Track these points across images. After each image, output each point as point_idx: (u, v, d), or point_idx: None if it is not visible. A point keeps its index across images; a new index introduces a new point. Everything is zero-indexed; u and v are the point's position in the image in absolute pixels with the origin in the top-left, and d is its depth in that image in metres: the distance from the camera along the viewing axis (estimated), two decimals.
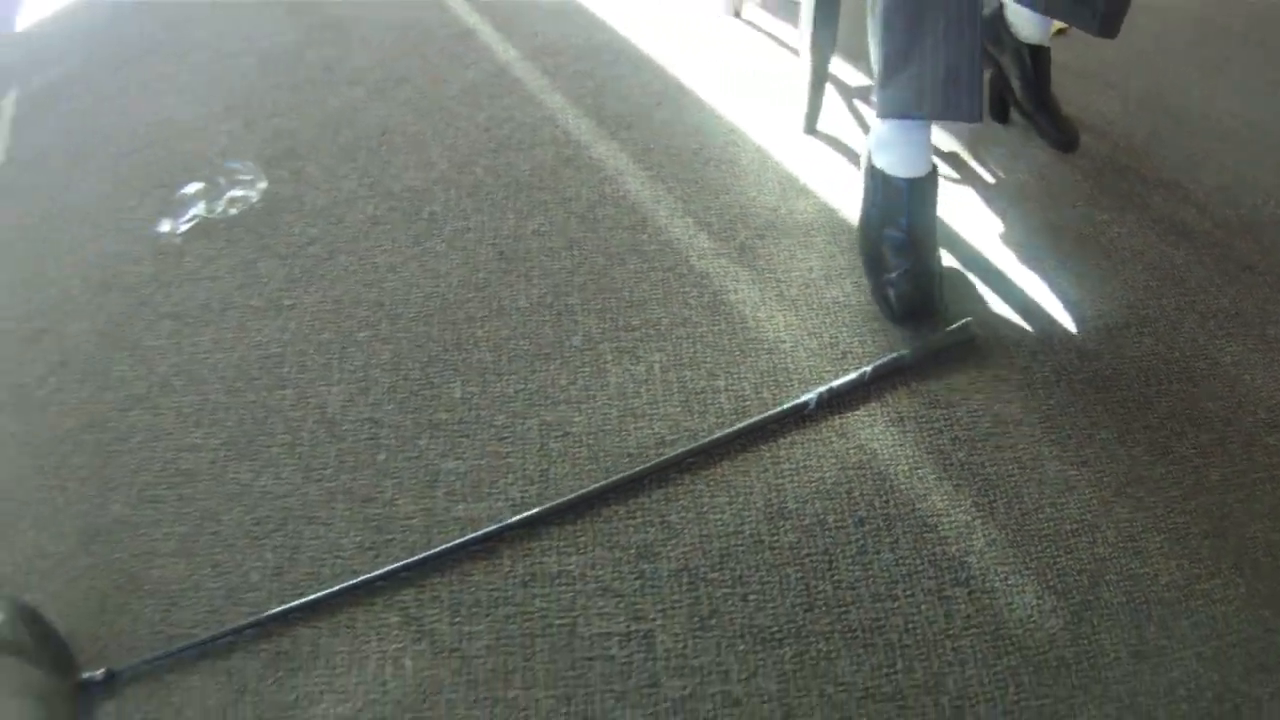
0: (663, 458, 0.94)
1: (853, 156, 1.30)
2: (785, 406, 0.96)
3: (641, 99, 1.47)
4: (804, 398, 0.97)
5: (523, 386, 1.04)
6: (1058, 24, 1.24)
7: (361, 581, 0.92)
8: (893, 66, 0.99)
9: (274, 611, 0.92)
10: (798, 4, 1.33)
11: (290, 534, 0.98)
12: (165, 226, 1.48)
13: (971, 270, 1.12)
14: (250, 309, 1.27)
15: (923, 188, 1.01)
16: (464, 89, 1.55)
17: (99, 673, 0.91)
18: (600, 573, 0.88)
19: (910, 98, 0.98)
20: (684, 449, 0.94)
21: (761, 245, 1.16)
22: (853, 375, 0.98)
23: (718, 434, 0.95)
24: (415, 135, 1.47)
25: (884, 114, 1.02)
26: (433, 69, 1.64)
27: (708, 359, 1.03)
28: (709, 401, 0.99)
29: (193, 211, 1.48)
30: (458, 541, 0.92)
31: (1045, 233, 1.14)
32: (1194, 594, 0.83)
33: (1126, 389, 0.98)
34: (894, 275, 1.01)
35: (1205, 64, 1.55)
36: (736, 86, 1.48)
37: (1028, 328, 1.03)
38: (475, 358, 1.09)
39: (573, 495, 0.93)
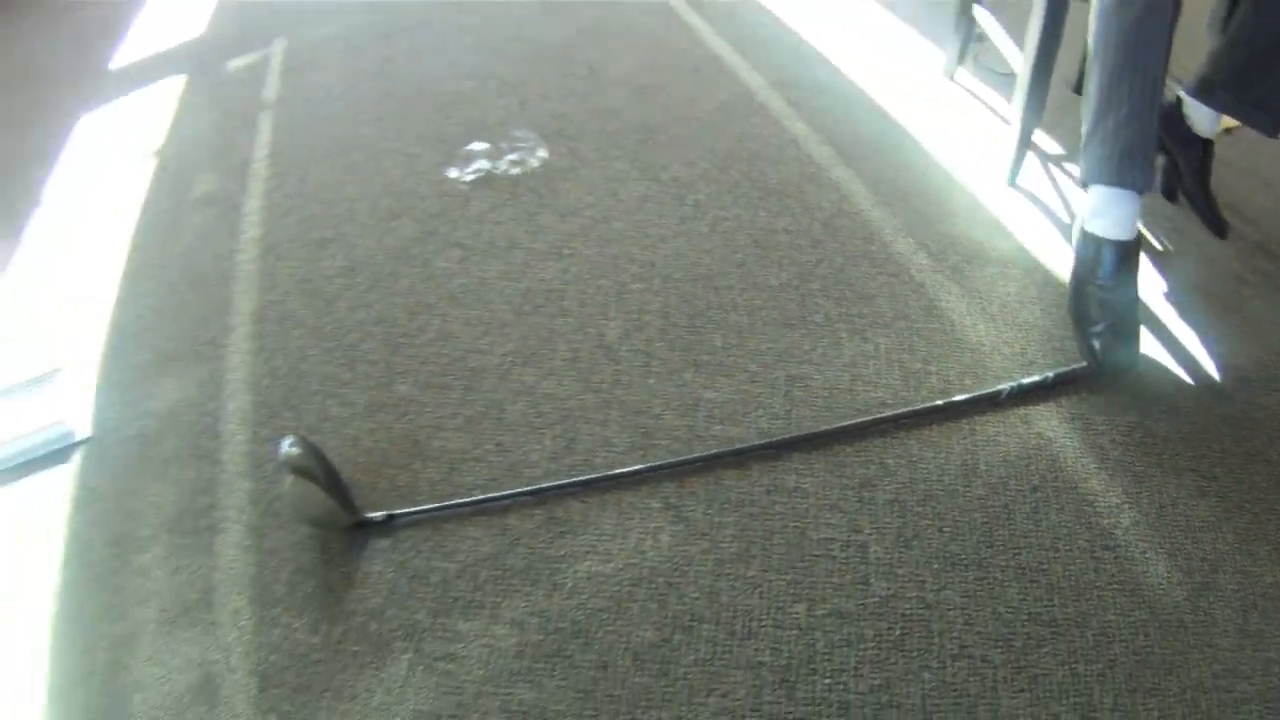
0: (884, 414, 1.22)
1: (1046, 210, 1.56)
2: (983, 392, 1.24)
3: (870, 137, 1.76)
4: (998, 387, 1.24)
5: (772, 345, 1.33)
6: (1227, 123, 1.47)
7: (632, 471, 1.20)
8: (1086, 140, 1.26)
9: (552, 484, 1.20)
10: (1013, 77, 1.60)
11: (568, 429, 1.27)
12: (452, 173, 1.80)
13: (1141, 317, 1.38)
14: (533, 250, 1.57)
15: (1126, 250, 1.27)
16: (717, 106, 1.86)
17: (380, 514, 1.19)
18: (829, 493, 1.15)
19: (1093, 167, 1.25)
20: (902, 410, 1.22)
21: (969, 269, 1.43)
22: (1038, 377, 1.25)
23: (928, 404, 1.23)
24: (677, 136, 1.78)
25: (1081, 180, 1.29)
26: (687, 84, 1.95)
27: (921, 348, 1.31)
28: (921, 380, 1.27)
29: (477, 165, 1.80)
30: (716, 451, 1.21)
31: (1199, 296, 1.39)
32: None
33: (1254, 428, 1.23)
34: (1099, 328, 1.27)
35: None
36: (951, 138, 1.75)
37: (1178, 368, 1.29)
38: (733, 318, 1.38)
39: (811, 431, 1.21)
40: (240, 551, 1.17)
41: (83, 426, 1.39)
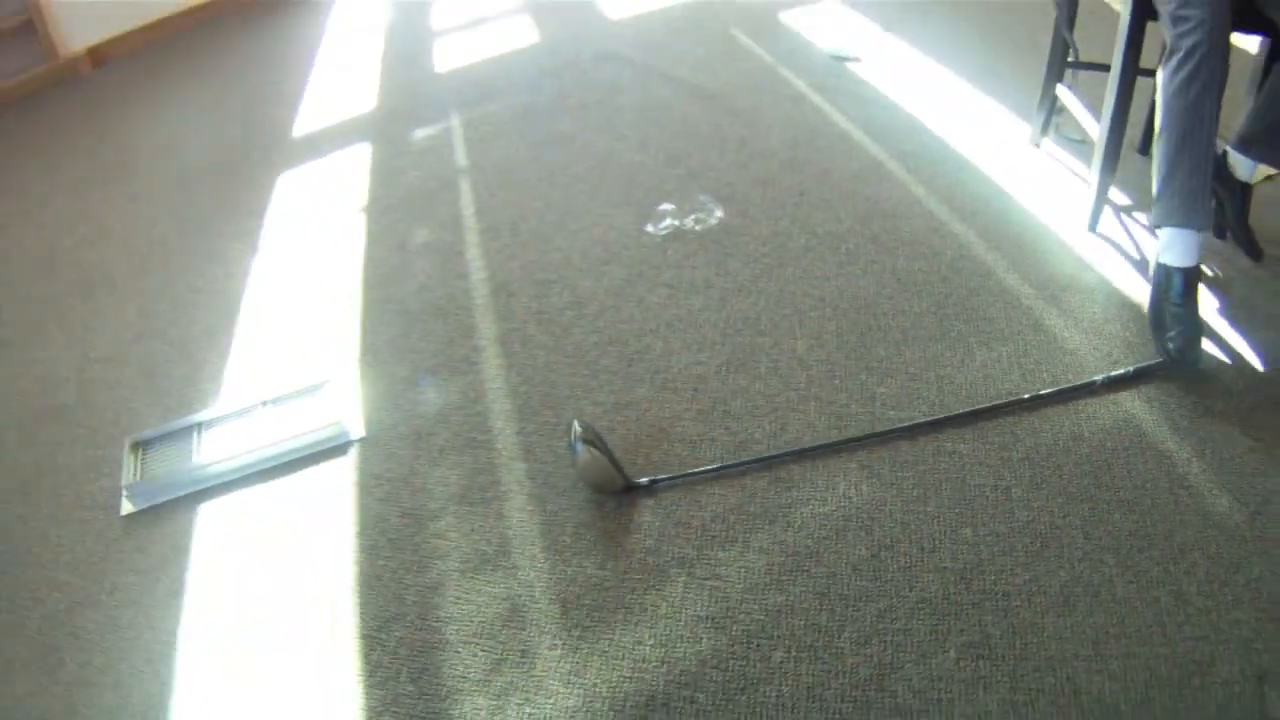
0: (1011, 399, 1.70)
1: (1120, 249, 2.04)
2: (1081, 382, 1.71)
3: (978, 195, 2.25)
4: (1093, 378, 1.71)
5: (922, 354, 1.82)
6: (1266, 170, 1.93)
7: (832, 443, 1.68)
8: (1157, 193, 1.74)
9: (774, 454, 1.69)
10: (1088, 143, 2.10)
11: (779, 416, 1.75)
12: (649, 228, 2.31)
13: (1203, 326, 1.85)
14: (727, 289, 2.07)
15: (1191, 275, 1.75)
16: (852, 174, 2.37)
17: (644, 480, 1.68)
18: (977, 454, 1.61)
19: (1164, 213, 1.73)
20: (1024, 396, 1.70)
21: (1064, 296, 1.91)
22: (1123, 370, 1.72)
23: (1042, 391, 1.70)
24: (824, 198, 2.29)
25: (1153, 223, 1.77)
26: (825, 156, 2.47)
27: (1034, 354, 1.79)
28: (1035, 376, 1.74)
29: (668, 221, 2.31)
30: (892, 428, 1.69)
31: (1246, 309, 1.85)
32: None
33: (1259, 390, 1.67)
34: (1172, 334, 1.74)
35: None
36: (1042, 195, 2.24)
37: (1231, 363, 1.75)
38: (891, 336, 1.87)
39: (960, 411, 1.69)
40: (526, 515, 1.63)
41: (357, 427, 1.85)
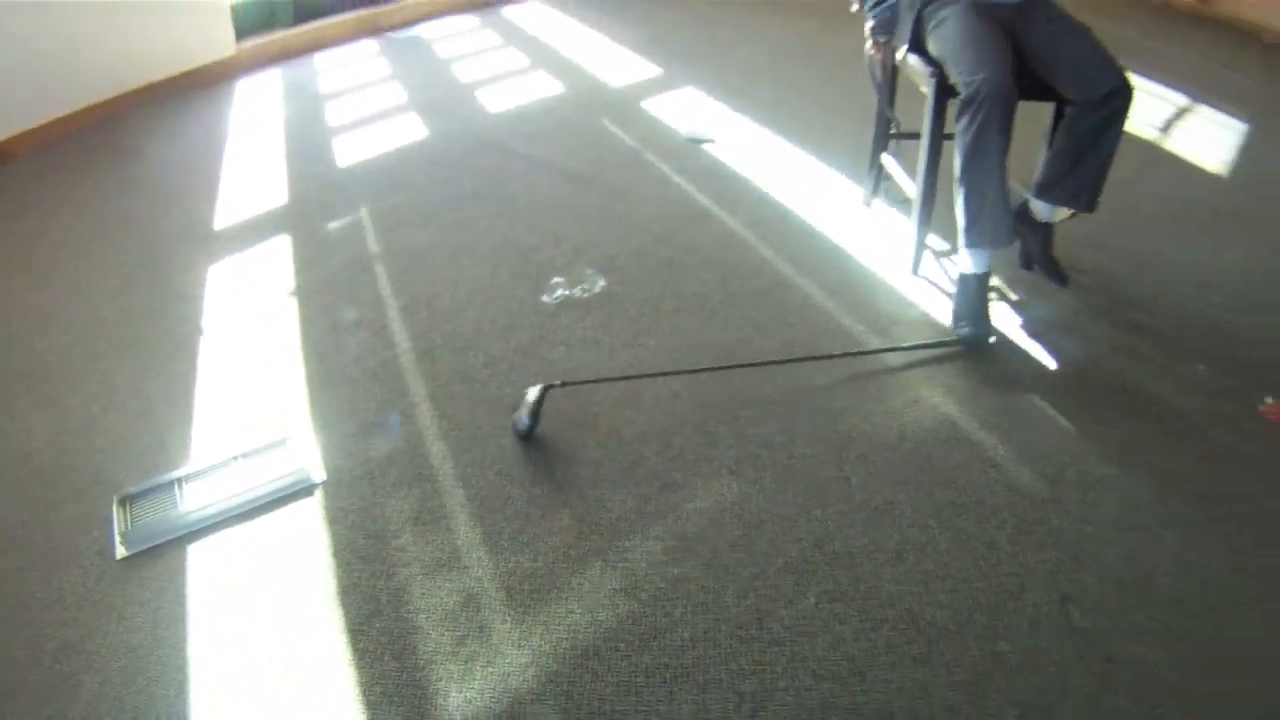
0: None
1: (938, 287, 2.63)
2: (898, 346, 2.24)
3: (820, 252, 2.82)
4: (901, 343, 2.25)
5: (774, 384, 2.32)
6: (1065, 211, 2.50)
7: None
8: (964, 220, 2.32)
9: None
10: (909, 202, 2.68)
11: (664, 439, 2.21)
12: (544, 299, 2.76)
13: (999, 330, 2.42)
14: (613, 344, 2.53)
15: (983, 279, 2.38)
16: (712, 242, 2.91)
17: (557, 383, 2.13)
18: (824, 455, 2.12)
19: (967, 237, 2.32)
20: (854, 350, 2.21)
21: (893, 328, 2.48)
22: (926, 340, 2.27)
23: (872, 348, 2.22)
24: (689, 265, 2.80)
25: (962, 245, 2.35)
26: (689, 229, 2.99)
27: (868, 367, 2.32)
28: (864, 391, 2.27)
29: (560, 292, 2.77)
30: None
31: (1043, 324, 2.45)
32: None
33: (1076, 388, 2.24)
34: (965, 323, 2.38)
35: (1174, 232, 2.90)
36: (872, 247, 2.82)
37: (1026, 360, 2.32)
38: (750, 372, 2.36)
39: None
40: (470, 528, 2.02)
41: (318, 473, 2.22)
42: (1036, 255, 2.58)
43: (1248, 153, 3.64)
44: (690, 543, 1.94)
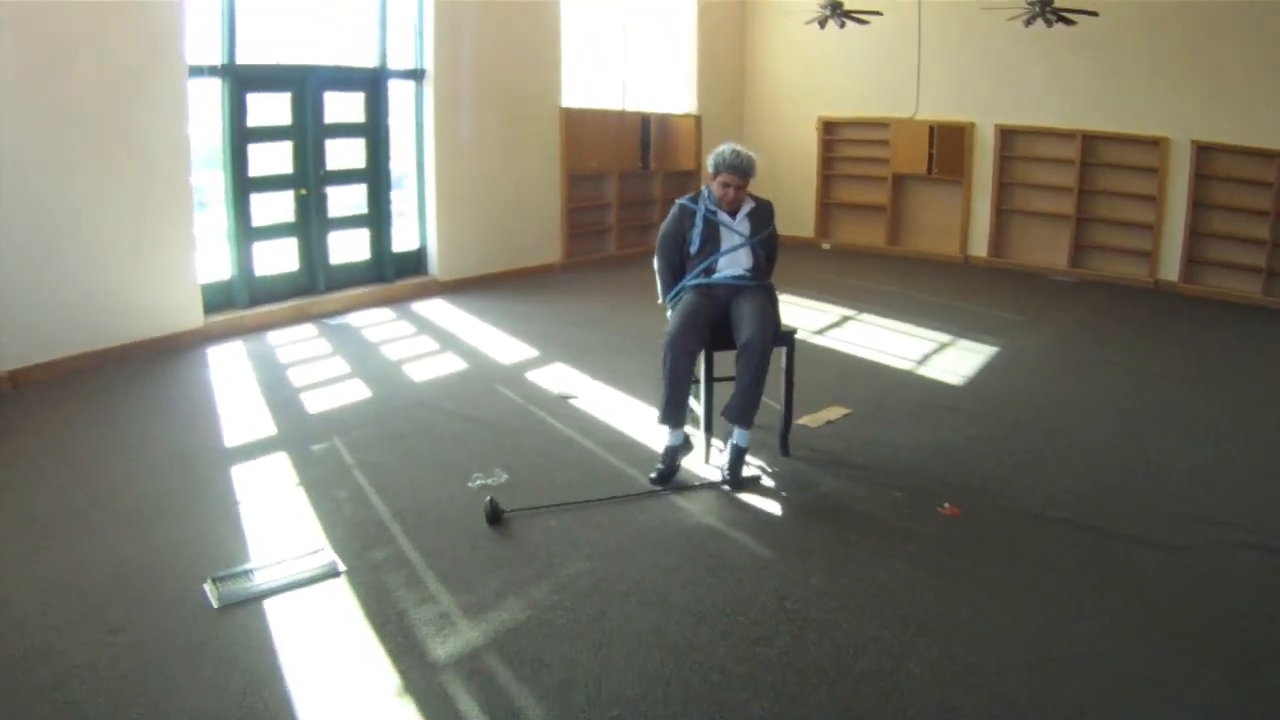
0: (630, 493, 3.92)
1: (717, 467, 4.43)
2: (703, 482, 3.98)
3: (644, 456, 4.62)
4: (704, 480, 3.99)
5: (607, 516, 4.03)
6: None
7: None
8: (663, 411, 4.22)
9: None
10: (698, 418, 4.55)
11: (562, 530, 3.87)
12: (470, 484, 4.44)
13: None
14: (510, 503, 4.20)
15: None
16: (576, 455, 4.69)
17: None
18: (649, 542, 3.80)
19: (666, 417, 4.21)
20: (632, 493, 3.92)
21: (690, 494, 4.24)
22: (712, 479, 4.01)
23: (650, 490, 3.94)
24: (562, 467, 4.56)
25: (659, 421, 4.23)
26: (558, 450, 4.79)
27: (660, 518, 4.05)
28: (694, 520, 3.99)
29: (479, 480, 4.46)
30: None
31: (790, 477, 4.25)
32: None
33: (795, 526, 4.00)
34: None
35: (901, 422, 4.79)
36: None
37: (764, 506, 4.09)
38: (599, 504, 4.07)
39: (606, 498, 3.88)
40: (438, 589, 3.59)
41: (340, 566, 3.73)
42: (728, 464, 4.48)
43: (986, 368, 6.21)
44: (580, 581, 3.55)
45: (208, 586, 3.50)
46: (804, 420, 5.12)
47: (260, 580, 3.57)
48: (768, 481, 4.47)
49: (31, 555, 3.73)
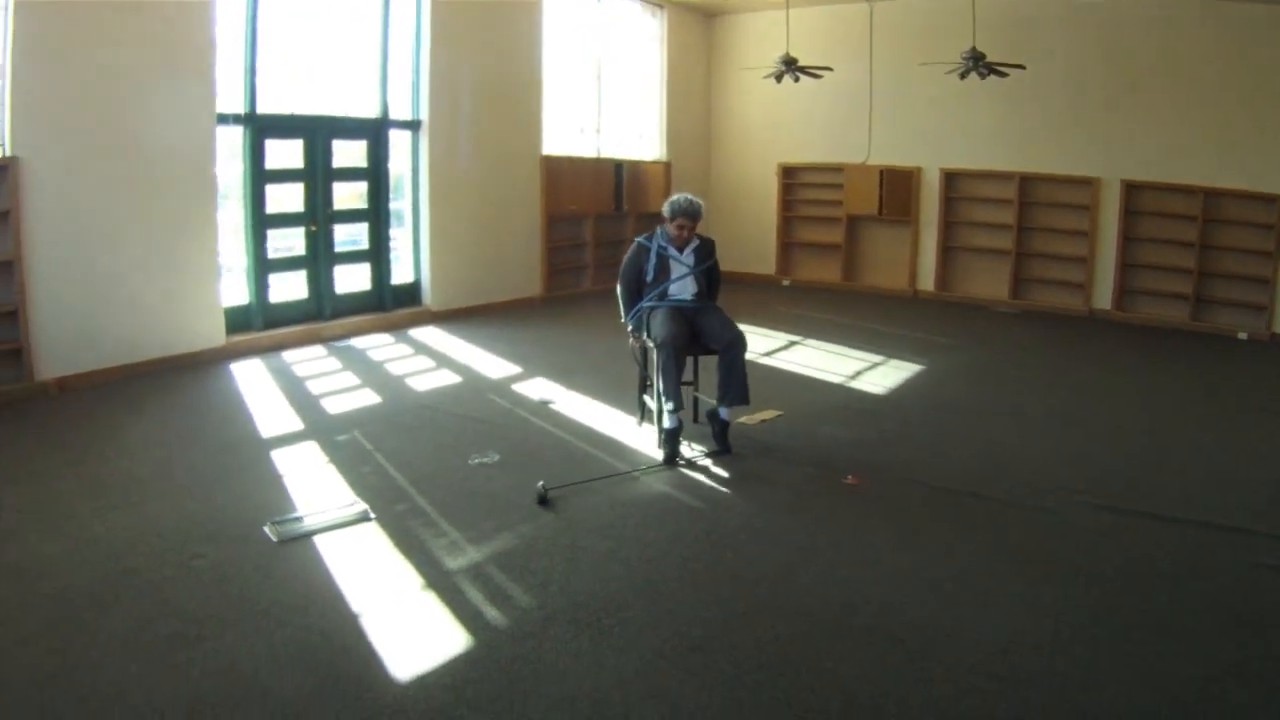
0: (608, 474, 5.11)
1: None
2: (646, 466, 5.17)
3: (611, 448, 5.82)
4: (644, 465, 5.18)
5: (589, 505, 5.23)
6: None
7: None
8: (665, 397, 5.43)
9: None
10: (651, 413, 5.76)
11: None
12: (470, 461, 5.64)
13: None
14: (501, 481, 5.39)
15: (675, 430, 5.47)
16: (559, 457, 5.89)
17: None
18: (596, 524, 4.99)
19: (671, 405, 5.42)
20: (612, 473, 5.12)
21: (645, 475, 5.44)
22: (653, 461, 5.20)
23: (633, 469, 5.14)
24: (544, 448, 5.76)
25: (665, 408, 5.41)
26: (543, 449, 6.00)
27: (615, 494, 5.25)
28: (633, 500, 5.19)
29: (476, 460, 5.65)
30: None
31: (738, 461, 5.45)
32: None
33: (725, 490, 5.19)
34: (667, 451, 5.53)
35: (829, 422, 5.99)
36: (639, 444, 5.84)
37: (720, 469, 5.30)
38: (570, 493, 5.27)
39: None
40: (448, 525, 4.75)
41: (370, 513, 4.87)
42: (716, 436, 5.68)
43: (910, 382, 7.51)
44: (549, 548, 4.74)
45: (267, 528, 4.66)
46: (743, 419, 6.33)
47: (309, 523, 4.74)
48: (706, 461, 5.68)
49: (109, 510, 4.84)
